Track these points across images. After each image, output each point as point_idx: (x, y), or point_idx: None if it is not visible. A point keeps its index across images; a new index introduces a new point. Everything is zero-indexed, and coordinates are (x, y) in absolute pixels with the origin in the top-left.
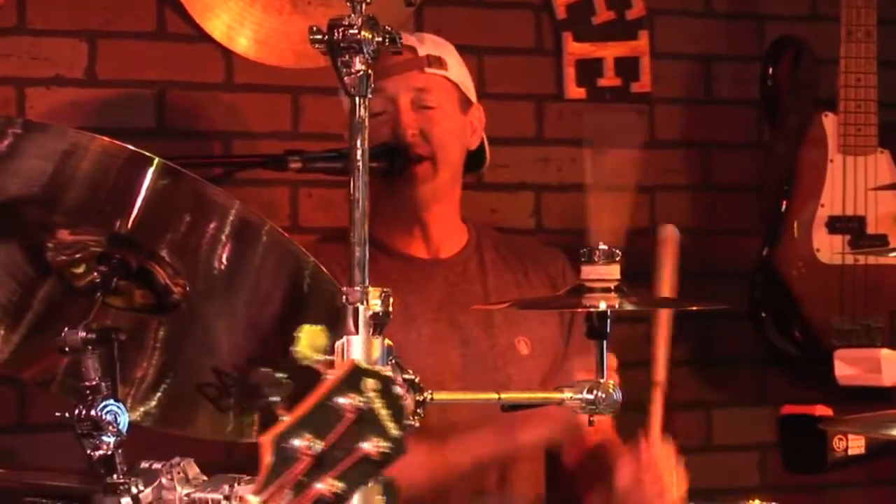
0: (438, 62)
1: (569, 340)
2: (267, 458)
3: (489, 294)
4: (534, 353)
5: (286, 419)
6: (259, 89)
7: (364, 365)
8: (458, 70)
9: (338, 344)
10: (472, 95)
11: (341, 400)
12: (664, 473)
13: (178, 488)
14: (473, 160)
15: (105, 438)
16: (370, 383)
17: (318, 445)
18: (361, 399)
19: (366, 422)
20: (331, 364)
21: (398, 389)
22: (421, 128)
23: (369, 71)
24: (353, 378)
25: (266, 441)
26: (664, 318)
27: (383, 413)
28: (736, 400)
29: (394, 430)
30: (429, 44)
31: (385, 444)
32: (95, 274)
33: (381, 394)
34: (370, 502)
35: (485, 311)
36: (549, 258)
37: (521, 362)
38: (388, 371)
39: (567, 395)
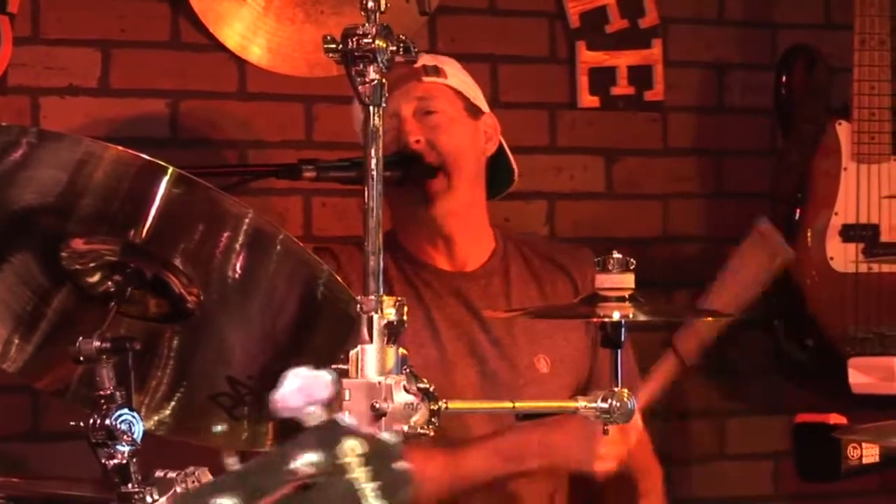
0: (436, 71)
1: (597, 354)
2: None
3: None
4: (554, 370)
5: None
6: (272, 98)
7: (347, 422)
8: (459, 79)
9: (352, 353)
10: (482, 104)
11: (300, 462)
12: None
13: None
14: (499, 175)
15: (119, 447)
16: (352, 446)
17: None
18: (329, 465)
19: (340, 492)
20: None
21: (401, 461)
22: (427, 137)
23: (383, 80)
24: (328, 437)
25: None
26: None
27: (368, 487)
28: (750, 409)
29: None
30: (425, 57)
31: None
32: (110, 283)
33: (370, 461)
34: None
35: (505, 329)
36: (579, 263)
37: (541, 381)
38: (387, 435)
39: (581, 403)
